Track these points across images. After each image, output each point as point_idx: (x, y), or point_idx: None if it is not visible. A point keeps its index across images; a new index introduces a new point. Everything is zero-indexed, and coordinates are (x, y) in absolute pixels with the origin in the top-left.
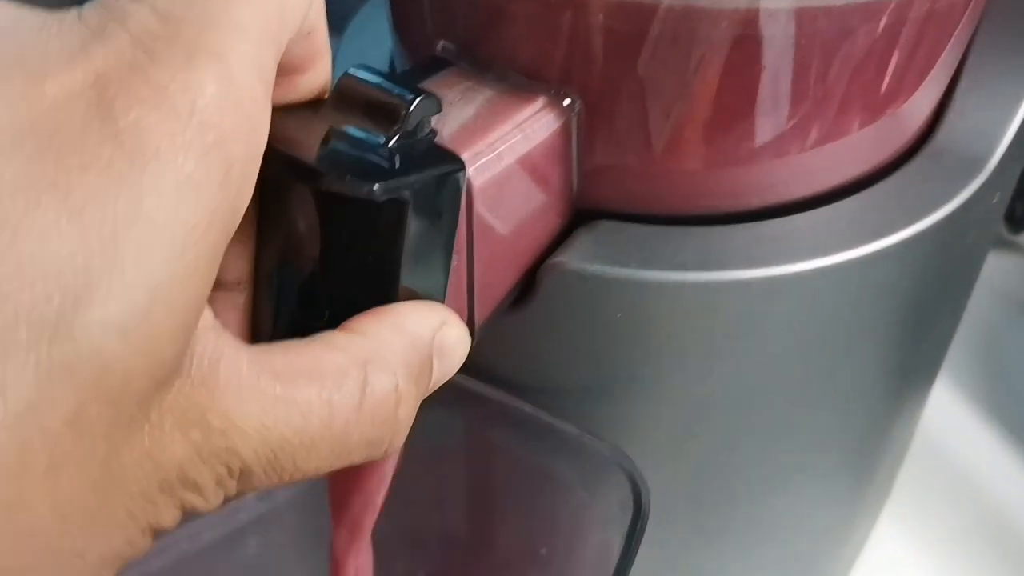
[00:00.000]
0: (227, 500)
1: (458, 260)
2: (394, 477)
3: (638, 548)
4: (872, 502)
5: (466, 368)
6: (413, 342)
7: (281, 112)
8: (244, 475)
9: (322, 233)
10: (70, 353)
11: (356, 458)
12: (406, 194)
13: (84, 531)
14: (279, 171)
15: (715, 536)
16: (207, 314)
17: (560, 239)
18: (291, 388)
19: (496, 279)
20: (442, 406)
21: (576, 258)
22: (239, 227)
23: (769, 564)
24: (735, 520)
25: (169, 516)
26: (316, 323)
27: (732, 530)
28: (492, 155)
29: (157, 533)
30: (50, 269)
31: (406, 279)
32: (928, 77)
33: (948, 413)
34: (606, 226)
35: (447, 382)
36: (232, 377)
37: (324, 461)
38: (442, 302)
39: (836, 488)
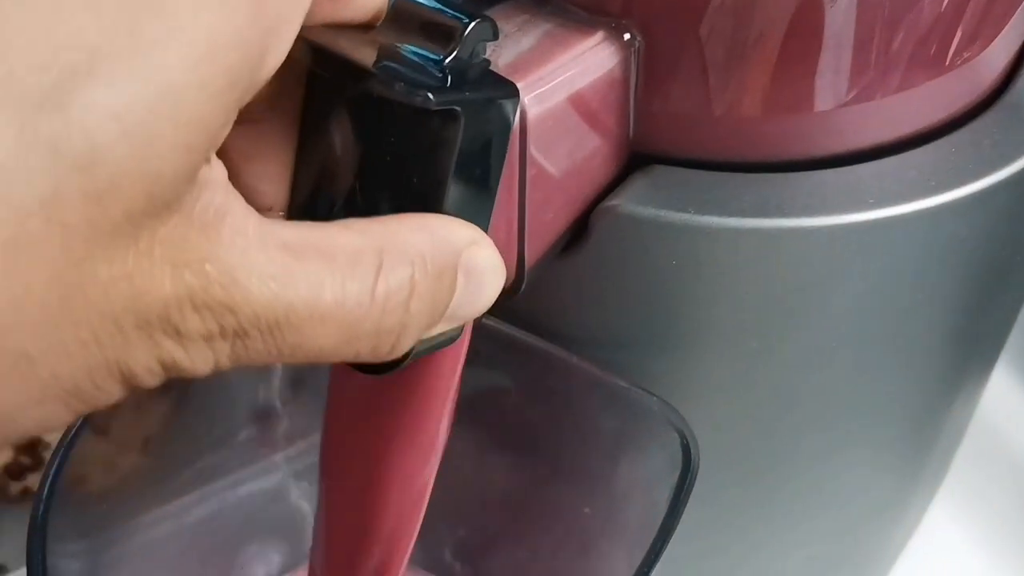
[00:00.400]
0: (215, 370)
1: (509, 197)
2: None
3: (685, 505)
4: (927, 481)
5: (514, 319)
6: (436, 243)
7: (334, 30)
8: (239, 338)
9: (367, 147)
10: (58, 126)
11: (362, 349)
12: (458, 109)
13: (38, 334)
14: (330, 75)
15: (765, 501)
16: (220, 171)
17: (615, 184)
18: (301, 260)
19: (548, 220)
20: (488, 357)
21: (631, 201)
22: (276, 147)
23: (818, 536)
24: (786, 486)
25: (143, 362)
26: None
27: (782, 496)
28: (547, 87)
29: (129, 383)
30: (55, 38)
31: (451, 201)
32: (1005, 26)
33: (1008, 398)
34: (662, 171)
35: (494, 332)
36: (238, 235)
37: (329, 341)
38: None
39: (892, 461)
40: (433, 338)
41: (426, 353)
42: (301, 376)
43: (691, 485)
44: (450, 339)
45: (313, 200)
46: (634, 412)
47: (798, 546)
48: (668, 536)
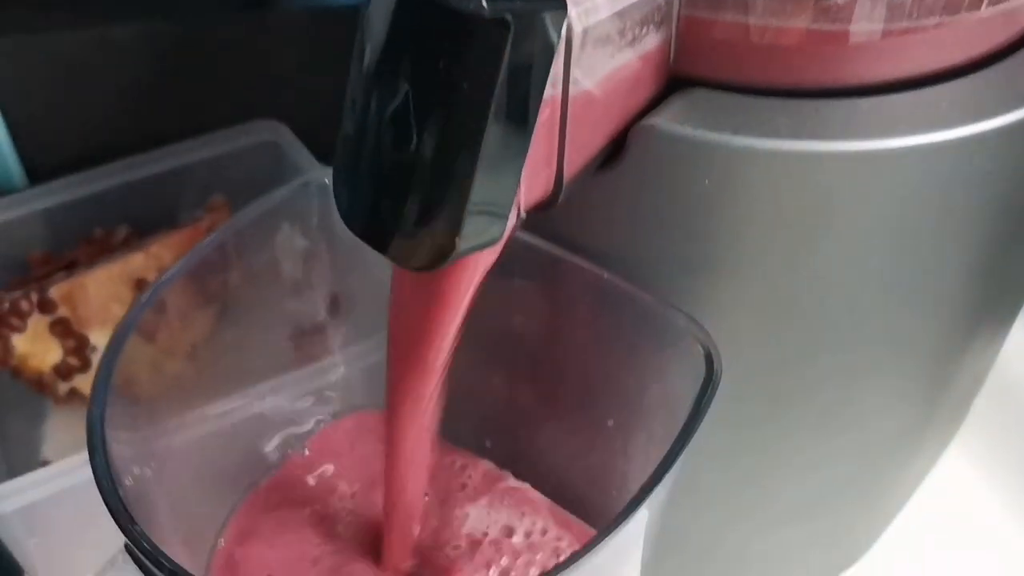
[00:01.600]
0: None
1: (551, 110)
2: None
3: (703, 417)
4: (945, 418)
5: (549, 235)
6: None
7: None
8: None
9: (418, 54)
10: None
11: None
12: (509, 18)
13: None
14: None
15: (786, 424)
16: None
17: (654, 105)
18: None
19: (587, 135)
20: (521, 271)
21: (668, 121)
22: None
23: (835, 462)
24: (806, 408)
25: None
26: (404, 151)
27: (802, 418)
28: (591, 2)
29: None
30: None
31: (496, 111)
32: None
33: None
34: (701, 93)
35: (529, 246)
36: None
37: None
38: (526, 148)
39: (912, 392)
40: (479, 237)
41: (467, 253)
42: (337, 296)
43: (712, 394)
44: (492, 240)
45: (366, 104)
46: (661, 327)
47: (815, 468)
48: (685, 443)
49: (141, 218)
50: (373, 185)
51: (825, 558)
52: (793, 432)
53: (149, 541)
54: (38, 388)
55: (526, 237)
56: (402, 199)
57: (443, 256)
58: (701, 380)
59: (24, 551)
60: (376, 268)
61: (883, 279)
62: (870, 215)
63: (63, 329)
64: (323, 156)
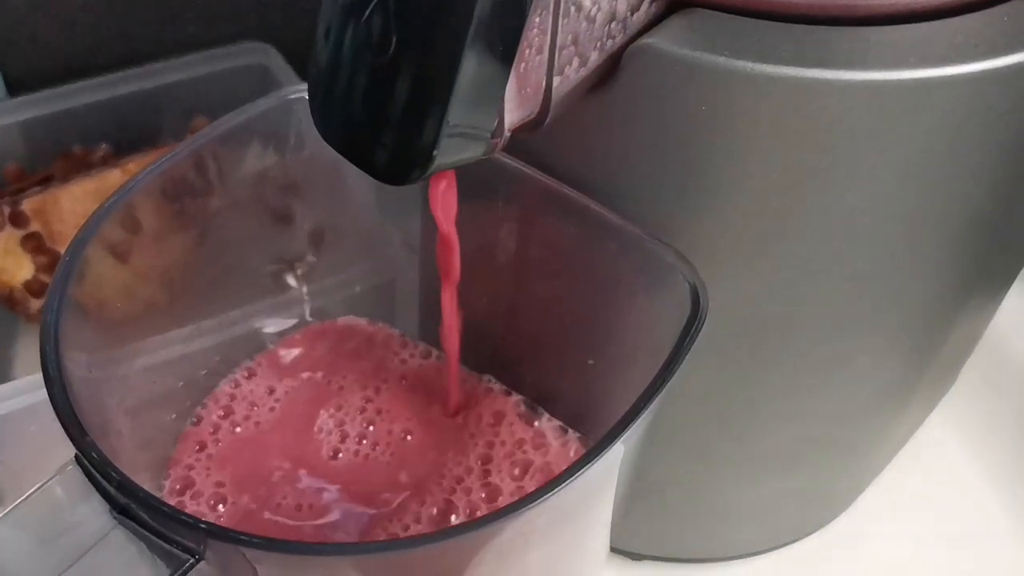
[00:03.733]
0: None
1: (541, 23)
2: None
3: (686, 354)
4: (933, 380)
5: (534, 161)
6: None
7: None
8: None
9: None
10: None
11: None
12: None
13: None
14: None
15: (770, 371)
16: None
17: (652, 26)
18: None
19: (579, 52)
20: (502, 198)
21: (666, 41)
22: None
23: (818, 416)
24: (792, 356)
25: None
26: (381, 56)
27: (787, 366)
28: None
29: None
30: None
31: (479, 17)
32: None
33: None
34: (702, 14)
35: (515, 173)
36: None
37: None
38: (512, 57)
39: (901, 348)
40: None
41: (445, 168)
42: (321, 230)
43: (696, 333)
44: (471, 158)
45: (345, 9)
46: (647, 260)
47: (795, 420)
48: (667, 379)
49: (121, 138)
50: (350, 96)
51: (800, 515)
52: (776, 380)
53: (99, 452)
54: (8, 305)
55: (511, 163)
56: (379, 111)
57: (420, 170)
58: (687, 317)
59: None
60: (359, 199)
61: (882, 222)
62: (873, 152)
63: (35, 244)
64: None
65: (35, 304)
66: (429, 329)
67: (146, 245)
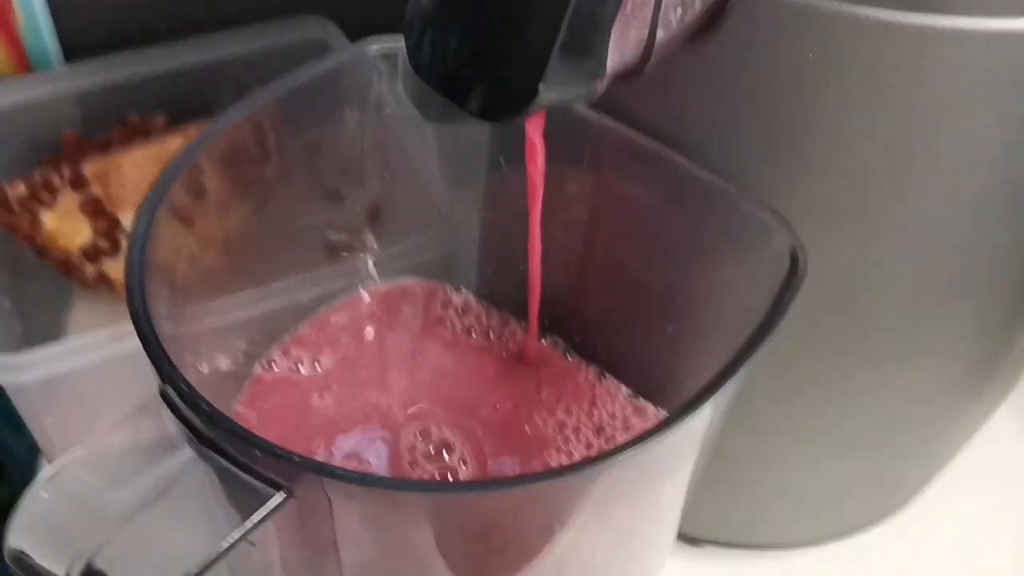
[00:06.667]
0: None
1: None
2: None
3: (783, 317)
4: (1009, 369)
5: (625, 117)
6: None
7: None
8: None
9: None
10: None
11: None
12: None
13: None
14: None
15: (858, 336)
16: None
17: None
18: None
19: None
20: (589, 155)
21: None
22: None
23: (894, 397)
24: (881, 323)
25: None
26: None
27: (875, 334)
28: None
29: None
30: None
31: None
32: None
33: None
34: None
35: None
36: None
37: None
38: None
39: (985, 334)
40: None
41: (548, 104)
42: (378, 204)
43: (793, 296)
44: (575, 97)
45: None
46: (742, 221)
47: (878, 394)
48: (761, 342)
49: (177, 109)
50: (456, 22)
51: (868, 503)
52: (862, 350)
53: (189, 384)
54: (65, 270)
55: (601, 119)
56: (487, 37)
57: (521, 103)
58: (782, 279)
59: (41, 427)
60: (420, 175)
61: (988, 185)
62: (988, 107)
63: (95, 208)
64: None
65: (91, 270)
66: (492, 291)
67: (208, 209)
